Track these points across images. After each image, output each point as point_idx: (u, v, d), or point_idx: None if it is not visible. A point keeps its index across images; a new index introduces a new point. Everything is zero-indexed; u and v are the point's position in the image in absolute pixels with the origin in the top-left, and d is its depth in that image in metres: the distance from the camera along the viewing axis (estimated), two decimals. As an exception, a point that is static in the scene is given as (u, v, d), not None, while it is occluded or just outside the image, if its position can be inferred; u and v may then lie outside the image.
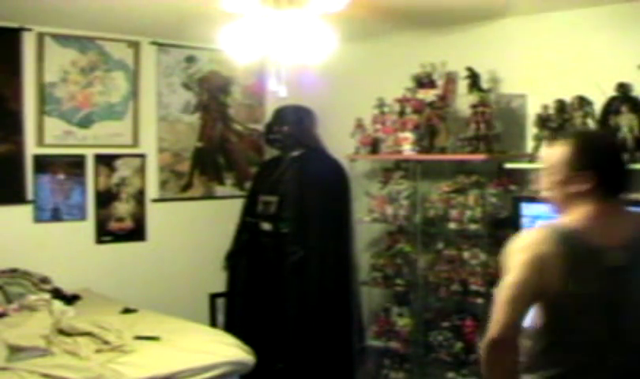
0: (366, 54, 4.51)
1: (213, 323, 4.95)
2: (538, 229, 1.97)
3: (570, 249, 1.89)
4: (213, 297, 5.02)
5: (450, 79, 3.95)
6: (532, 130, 3.51)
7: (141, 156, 4.76)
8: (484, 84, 3.75)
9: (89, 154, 4.54)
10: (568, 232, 1.92)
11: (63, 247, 4.42)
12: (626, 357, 1.90)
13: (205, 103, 5.03)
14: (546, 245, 1.89)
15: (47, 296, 3.82)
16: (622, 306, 1.90)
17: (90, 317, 3.54)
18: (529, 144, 3.56)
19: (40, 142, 4.35)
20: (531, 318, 1.97)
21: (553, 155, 2.03)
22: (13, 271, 4.03)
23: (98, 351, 3.17)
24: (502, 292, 1.90)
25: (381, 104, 4.18)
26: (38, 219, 4.35)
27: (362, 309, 4.48)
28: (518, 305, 1.89)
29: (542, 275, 1.87)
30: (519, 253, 1.92)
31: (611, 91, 3.20)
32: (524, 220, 3.51)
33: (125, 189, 4.70)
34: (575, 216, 1.96)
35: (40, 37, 4.28)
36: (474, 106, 3.66)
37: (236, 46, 2.96)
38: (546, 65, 3.64)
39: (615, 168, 2.02)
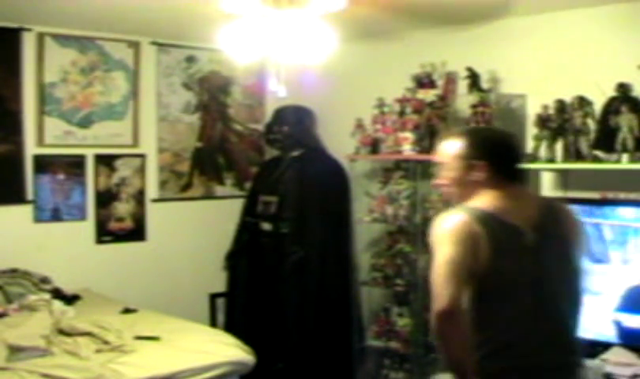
0: (366, 54, 4.51)
1: (213, 323, 4.95)
2: (459, 212, 2.09)
3: (492, 229, 2.04)
4: (213, 297, 5.02)
5: (450, 79, 3.95)
6: (532, 130, 3.51)
7: (141, 156, 4.77)
8: (484, 84, 3.75)
9: (89, 154, 4.54)
10: (487, 214, 2.07)
11: (63, 247, 4.42)
12: (549, 326, 2.07)
13: (205, 103, 5.03)
14: (473, 225, 2.04)
15: (47, 296, 3.81)
16: (541, 281, 2.06)
17: (90, 317, 3.54)
18: (529, 144, 3.56)
19: (40, 142, 4.35)
20: None
21: (449, 150, 2.22)
22: (13, 271, 4.03)
23: (98, 351, 3.17)
24: (442, 268, 2.01)
25: (381, 104, 4.18)
26: (38, 219, 4.35)
27: (362, 309, 4.48)
28: (460, 280, 2.00)
29: (474, 253, 2.01)
30: (451, 234, 2.04)
31: (611, 91, 3.20)
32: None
33: (125, 189, 4.70)
34: (485, 201, 2.11)
35: (40, 37, 4.28)
36: (474, 106, 3.66)
37: (236, 46, 2.96)
38: (546, 65, 3.64)
39: (507, 157, 2.20)
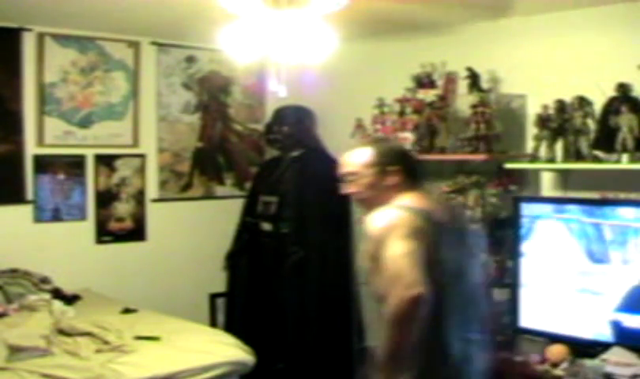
0: (366, 54, 4.51)
1: (213, 323, 4.95)
2: (395, 209, 2.22)
3: (428, 223, 2.19)
4: (213, 297, 5.02)
5: (450, 79, 3.95)
6: (532, 130, 3.51)
7: (141, 156, 4.77)
8: (484, 84, 3.75)
9: (89, 154, 4.55)
10: (420, 210, 2.22)
11: (63, 247, 4.42)
12: (471, 308, 2.29)
13: (205, 103, 5.03)
14: (415, 220, 2.17)
15: (47, 296, 3.81)
16: (464, 273, 2.28)
17: (90, 317, 3.54)
18: (529, 144, 3.56)
19: (40, 142, 4.35)
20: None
21: (360, 159, 2.39)
22: (13, 271, 4.03)
23: (98, 351, 3.17)
24: (405, 259, 2.08)
25: (381, 104, 4.17)
26: (38, 219, 4.35)
27: (362, 310, 4.48)
28: (420, 269, 2.08)
29: (422, 245, 2.13)
30: (399, 228, 2.14)
31: (611, 91, 3.20)
32: (524, 220, 3.52)
33: (125, 189, 4.70)
34: (409, 201, 2.26)
35: (40, 37, 4.28)
36: (474, 106, 3.65)
37: (236, 46, 2.96)
38: (546, 65, 3.64)
39: (413, 163, 2.45)
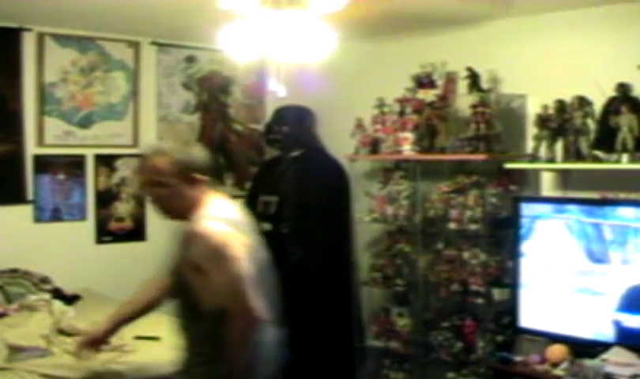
0: (366, 54, 4.51)
1: (213, 323, 4.95)
2: (221, 221, 2.25)
3: (249, 235, 2.31)
4: (213, 297, 5.01)
5: (450, 79, 3.95)
6: (532, 130, 3.51)
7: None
8: (484, 84, 3.75)
9: (89, 154, 4.55)
10: (239, 221, 2.33)
11: (63, 247, 4.42)
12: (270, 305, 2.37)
13: (205, 103, 5.03)
14: (241, 235, 2.26)
15: (47, 296, 3.81)
16: (266, 268, 2.42)
17: (90, 317, 3.54)
18: (529, 144, 3.56)
19: (40, 142, 4.35)
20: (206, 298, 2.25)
21: (160, 165, 2.30)
22: (13, 271, 4.03)
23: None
24: (247, 281, 2.18)
25: (381, 104, 4.18)
26: (38, 219, 4.36)
27: (362, 309, 4.48)
28: (257, 289, 2.22)
29: (252, 261, 2.23)
30: (230, 248, 2.18)
31: (611, 91, 3.20)
32: (524, 220, 3.52)
33: (125, 189, 4.70)
34: (225, 209, 2.35)
35: (40, 37, 4.28)
36: (474, 106, 3.66)
37: (236, 46, 2.96)
38: (546, 65, 3.64)
39: (215, 167, 2.45)
